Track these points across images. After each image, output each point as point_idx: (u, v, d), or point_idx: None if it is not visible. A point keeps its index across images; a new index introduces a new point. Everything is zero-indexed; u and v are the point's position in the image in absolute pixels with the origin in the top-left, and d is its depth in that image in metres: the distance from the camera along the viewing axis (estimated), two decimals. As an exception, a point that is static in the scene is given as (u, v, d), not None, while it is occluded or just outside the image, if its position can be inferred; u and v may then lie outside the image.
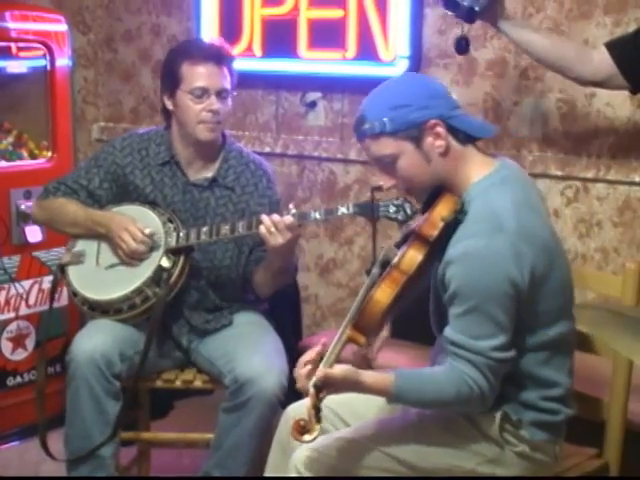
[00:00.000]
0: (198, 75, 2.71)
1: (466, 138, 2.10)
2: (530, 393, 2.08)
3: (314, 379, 1.97)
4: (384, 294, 2.03)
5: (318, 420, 1.95)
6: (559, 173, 3.14)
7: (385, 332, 2.37)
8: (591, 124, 3.07)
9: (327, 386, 1.97)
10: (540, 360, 2.08)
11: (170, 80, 2.77)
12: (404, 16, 3.27)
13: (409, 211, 2.38)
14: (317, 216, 2.53)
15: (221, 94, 2.73)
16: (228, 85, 2.75)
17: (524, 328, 2.04)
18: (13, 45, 3.54)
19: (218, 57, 2.74)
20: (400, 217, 2.39)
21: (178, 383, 2.82)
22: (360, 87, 3.40)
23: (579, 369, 2.19)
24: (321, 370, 1.97)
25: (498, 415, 2.08)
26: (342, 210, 2.46)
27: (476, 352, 1.98)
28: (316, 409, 1.96)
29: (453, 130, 2.08)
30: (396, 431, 2.16)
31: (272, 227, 2.53)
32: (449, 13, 2.71)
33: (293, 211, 2.55)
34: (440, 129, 2.06)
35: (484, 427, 2.09)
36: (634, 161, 3.01)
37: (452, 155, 2.08)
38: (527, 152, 3.20)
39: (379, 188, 2.18)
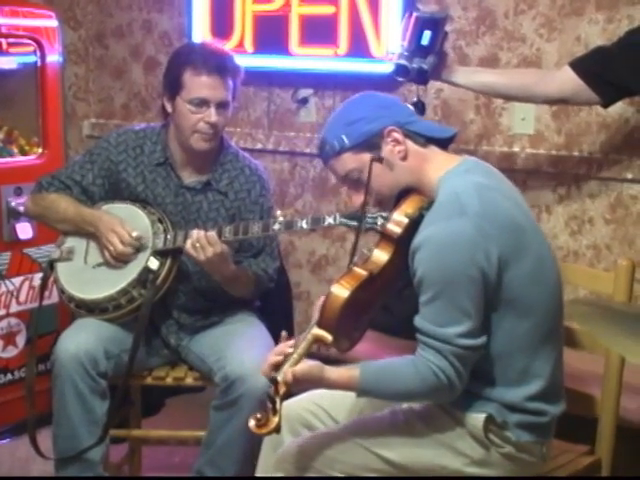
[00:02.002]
0: (199, 86, 2.66)
1: (427, 141, 2.13)
2: (514, 393, 2.06)
3: (278, 375, 1.97)
4: (341, 289, 2.02)
5: (274, 413, 1.96)
6: (551, 170, 3.14)
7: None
8: (583, 121, 3.07)
9: (289, 383, 1.98)
10: (522, 349, 2.05)
11: (171, 84, 2.73)
12: (396, 12, 3.26)
13: None
14: (304, 225, 2.50)
15: (221, 106, 2.69)
16: (229, 97, 2.71)
17: (501, 314, 2.02)
18: (3, 41, 3.53)
19: (222, 68, 2.68)
20: None
21: (169, 380, 2.81)
22: (352, 84, 3.42)
23: (571, 366, 2.19)
24: (285, 369, 1.98)
25: (482, 417, 2.06)
26: (329, 220, 2.44)
27: (442, 340, 1.97)
28: (272, 402, 1.96)
29: (412, 135, 2.11)
30: (383, 430, 2.15)
31: (197, 242, 2.55)
32: (400, 79, 2.68)
33: (280, 219, 2.53)
34: (397, 135, 2.09)
35: (470, 428, 2.07)
36: (626, 158, 3.01)
37: (414, 158, 2.11)
38: (519, 149, 3.20)
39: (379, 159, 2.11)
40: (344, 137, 2.09)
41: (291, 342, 2.08)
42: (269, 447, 2.27)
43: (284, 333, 2.12)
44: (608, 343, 1.92)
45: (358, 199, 2.14)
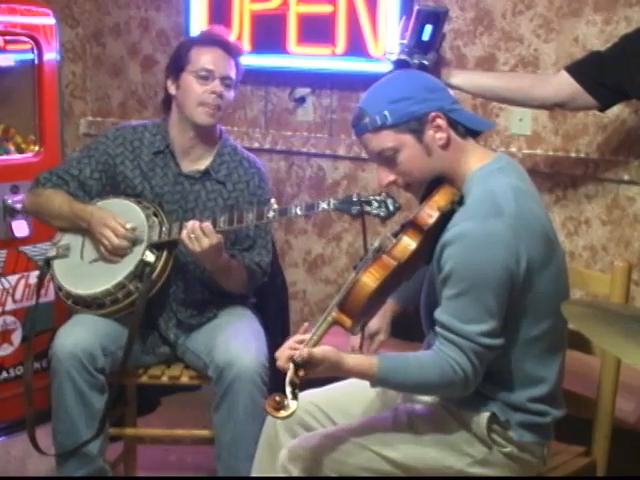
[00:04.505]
0: (206, 57, 2.74)
1: (466, 132, 2.11)
2: (518, 394, 2.07)
3: (295, 356, 1.95)
4: (372, 278, 2.02)
5: (294, 397, 1.93)
6: (548, 171, 3.14)
7: (382, 335, 2.36)
8: (580, 122, 3.08)
9: (307, 366, 1.96)
10: (531, 354, 2.06)
11: (177, 63, 2.78)
12: (394, 12, 3.26)
13: (391, 207, 2.33)
14: (298, 212, 2.51)
15: (225, 80, 2.74)
16: (233, 75, 2.77)
17: (518, 318, 2.03)
18: (0, 38, 3.52)
19: (227, 46, 2.78)
20: (382, 213, 2.34)
21: (165, 379, 2.81)
22: (349, 83, 3.42)
23: (567, 367, 2.19)
24: (303, 349, 1.96)
25: (486, 416, 2.06)
26: (322, 206, 2.45)
27: (463, 336, 1.97)
28: (293, 385, 1.94)
29: (453, 123, 2.08)
30: (386, 430, 2.14)
31: (192, 233, 2.55)
32: None
33: (274, 206, 2.54)
34: (441, 121, 2.06)
35: (473, 427, 2.08)
36: (623, 159, 3.01)
37: (453, 148, 2.08)
38: (516, 149, 3.20)
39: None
40: (387, 114, 2.05)
41: (302, 335, 2.07)
42: (265, 447, 2.27)
43: (306, 324, 2.12)
44: (604, 344, 1.92)
45: (385, 178, 2.11)
